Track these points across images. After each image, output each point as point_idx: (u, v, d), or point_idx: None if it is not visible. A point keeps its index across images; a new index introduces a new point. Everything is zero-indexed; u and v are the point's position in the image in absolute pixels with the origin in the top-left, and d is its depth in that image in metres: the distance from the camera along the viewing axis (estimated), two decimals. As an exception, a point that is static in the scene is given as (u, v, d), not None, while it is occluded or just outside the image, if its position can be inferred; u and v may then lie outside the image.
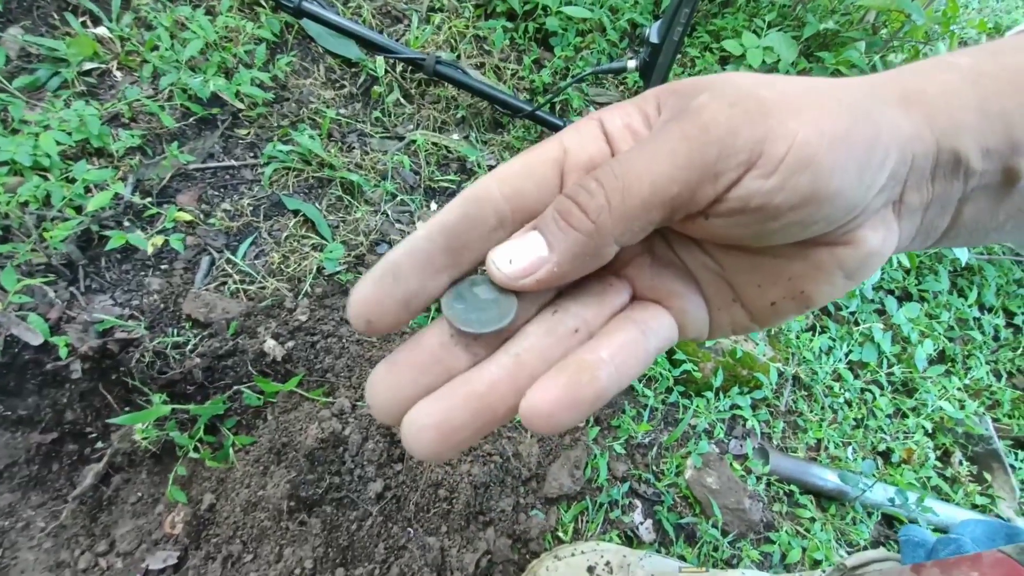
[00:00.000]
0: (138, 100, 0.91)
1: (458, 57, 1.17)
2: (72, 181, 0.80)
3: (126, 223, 0.83)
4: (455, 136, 1.12)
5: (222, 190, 0.93)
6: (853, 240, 0.22)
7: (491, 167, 1.07)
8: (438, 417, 0.21)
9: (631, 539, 0.85)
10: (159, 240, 0.82)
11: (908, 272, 1.25)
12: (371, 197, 1.00)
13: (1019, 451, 1.14)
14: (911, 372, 1.14)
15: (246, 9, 1.07)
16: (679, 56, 1.18)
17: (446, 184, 1.07)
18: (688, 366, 0.97)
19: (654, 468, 0.91)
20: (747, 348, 1.03)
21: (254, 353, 0.77)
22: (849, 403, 1.08)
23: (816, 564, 0.89)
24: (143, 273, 0.82)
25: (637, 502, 0.88)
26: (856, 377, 1.11)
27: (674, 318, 0.26)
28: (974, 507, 1.04)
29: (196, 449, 0.73)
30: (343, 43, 1.10)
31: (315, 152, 0.96)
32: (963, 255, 1.16)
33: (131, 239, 0.78)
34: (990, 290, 1.28)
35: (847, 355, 1.12)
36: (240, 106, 0.98)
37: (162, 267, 0.83)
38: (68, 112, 0.83)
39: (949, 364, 1.19)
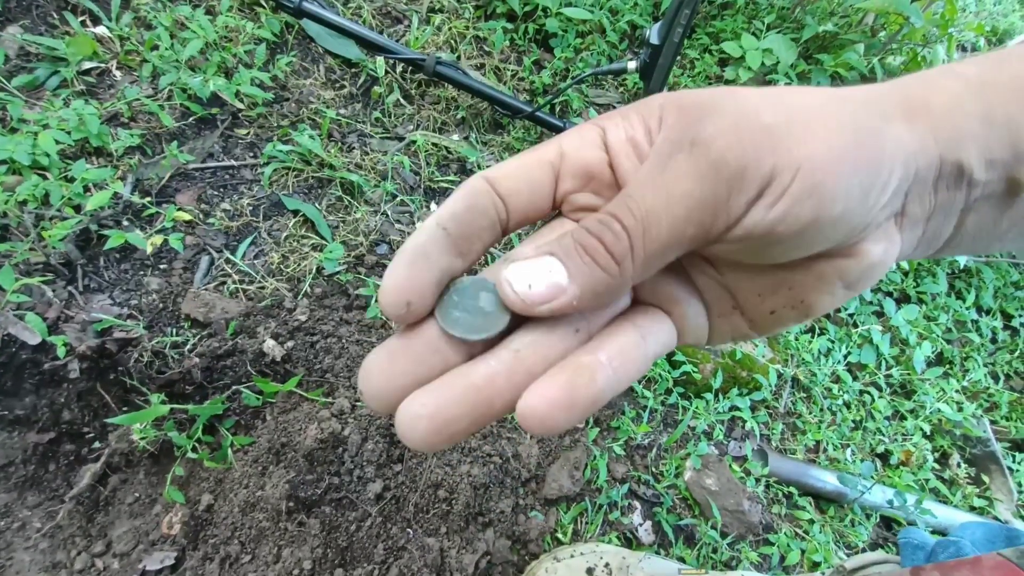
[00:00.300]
0: (137, 99, 0.91)
1: (458, 58, 1.17)
2: (71, 180, 0.79)
3: (125, 222, 0.83)
4: (455, 137, 1.12)
5: (221, 190, 0.92)
6: (855, 252, 0.22)
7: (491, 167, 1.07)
8: (433, 408, 0.21)
9: (630, 541, 0.85)
10: (158, 240, 0.81)
11: (906, 274, 1.26)
12: (371, 197, 1.00)
13: (1017, 453, 1.14)
14: (909, 374, 1.14)
15: (246, 9, 1.07)
16: (678, 58, 1.18)
17: (446, 185, 1.07)
18: (688, 367, 0.97)
19: (653, 469, 0.91)
20: (746, 350, 1.03)
21: (253, 353, 0.77)
22: (848, 405, 1.08)
23: (815, 566, 0.89)
24: (142, 273, 0.82)
25: (636, 503, 0.88)
26: (855, 379, 1.11)
27: (674, 323, 0.26)
28: (972, 509, 1.05)
29: (194, 449, 0.72)
30: (343, 43, 1.10)
31: (315, 152, 0.96)
32: (961, 258, 1.17)
33: (130, 238, 0.77)
34: (988, 292, 1.29)
35: (846, 357, 1.12)
36: (240, 106, 0.98)
37: (161, 267, 0.83)
38: (67, 111, 0.82)
39: (947, 366, 1.20)
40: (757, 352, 1.04)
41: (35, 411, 0.72)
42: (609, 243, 0.21)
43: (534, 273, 0.22)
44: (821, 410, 1.06)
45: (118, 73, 0.95)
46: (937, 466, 1.07)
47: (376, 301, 0.88)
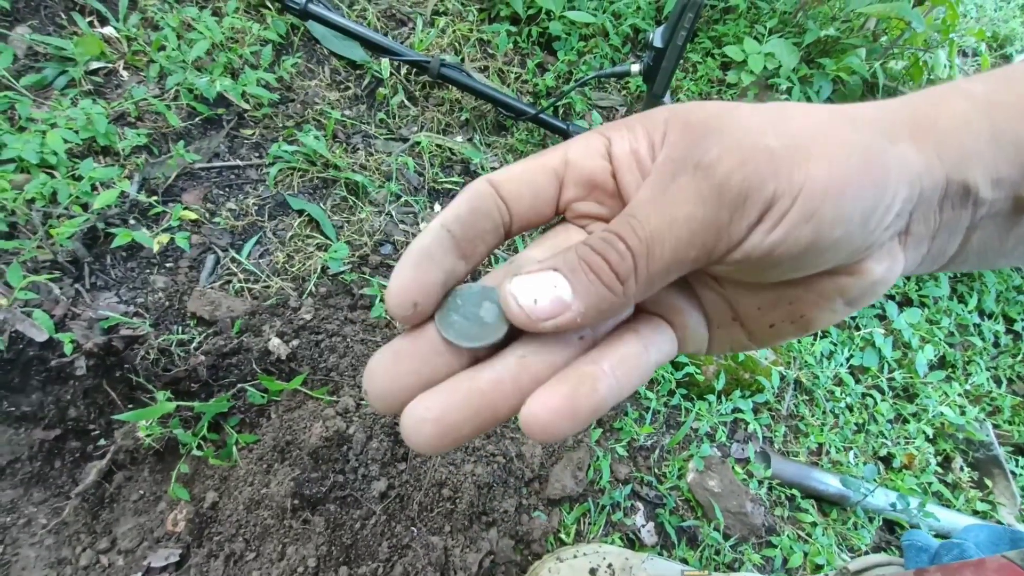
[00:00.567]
0: (144, 99, 0.91)
1: (462, 60, 1.18)
2: (78, 179, 0.80)
3: (132, 221, 0.84)
4: (459, 138, 1.13)
5: (227, 189, 0.93)
6: (857, 270, 0.22)
7: (494, 169, 1.08)
8: (439, 411, 0.21)
9: (633, 542, 0.85)
10: (164, 238, 0.82)
11: (909, 278, 1.26)
12: (375, 198, 1.00)
13: (1020, 457, 1.14)
14: (912, 377, 1.14)
15: (252, 11, 1.08)
16: (680, 61, 1.18)
17: (450, 186, 1.07)
18: (690, 369, 0.97)
19: (656, 471, 0.91)
20: (749, 352, 1.03)
21: (258, 351, 0.77)
22: (850, 408, 1.09)
23: (818, 569, 0.89)
24: (148, 271, 0.82)
25: (639, 504, 0.88)
26: (857, 382, 1.12)
27: (675, 333, 0.26)
28: (975, 513, 1.05)
29: (199, 447, 0.73)
30: (348, 45, 1.10)
31: (320, 153, 0.96)
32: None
33: (137, 237, 0.78)
34: (990, 296, 1.29)
35: (848, 360, 1.12)
36: (246, 106, 0.99)
37: (167, 265, 0.84)
38: (75, 110, 0.83)
39: (949, 370, 1.20)
40: (760, 354, 1.04)
41: (41, 408, 0.72)
42: (614, 262, 0.21)
43: (539, 288, 0.22)
44: (823, 413, 1.07)
45: (125, 73, 0.95)
46: (940, 470, 1.07)
47: (380, 301, 0.88)
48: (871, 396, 1.11)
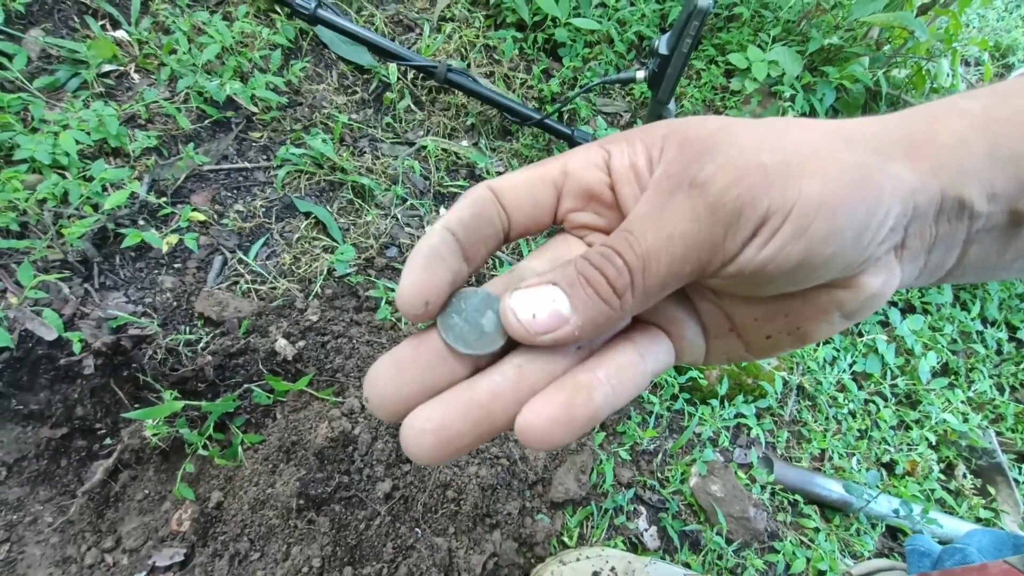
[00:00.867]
0: (155, 102, 0.92)
1: (468, 66, 1.19)
2: (89, 180, 0.81)
3: (141, 222, 0.84)
4: (465, 143, 1.14)
5: (235, 191, 0.94)
6: (853, 284, 0.23)
7: (499, 174, 1.09)
8: (438, 422, 0.22)
9: (635, 546, 0.85)
10: (173, 239, 0.83)
11: (911, 285, 1.26)
12: (381, 201, 1.01)
13: (1022, 465, 1.14)
14: (915, 384, 1.14)
15: (262, 15, 1.09)
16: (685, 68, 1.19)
17: (455, 189, 1.08)
18: (693, 373, 0.97)
19: (659, 475, 0.91)
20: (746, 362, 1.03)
21: (265, 352, 0.77)
22: (853, 414, 1.09)
23: (820, 575, 0.89)
24: (157, 271, 0.83)
25: (642, 508, 0.88)
26: (860, 388, 1.12)
27: (672, 343, 0.26)
28: (978, 520, 1.04)
29: (205, 447, 0.73)
30: (356, 50, 1.11)
31: (327, 156, 0.97)
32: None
33: (146, 237, 0.79)
34: (993, 304, 1.29)
35: (851, 366, 1.12)
36: (254, 110, 1.00)
37: (175, 266, 0.84)
38: (87, 112, 0.84)
39: (952, 377, 1.20)
40: (763, 360, 1.04)
41: (49, 406, 0.73)
42: (611, 277, 0.22)
43: (537, 302, 0.22)
44: (826, 418, 1.07)
45: (136, 76, 0.96)
46: (943, 477, 1.07)
47: (386, 303, 0.89)
48: (874, 402, 1.11)
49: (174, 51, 0.97)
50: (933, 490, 1.04)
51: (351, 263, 0.92)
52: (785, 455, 1.01)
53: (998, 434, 1.15)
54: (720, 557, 0.86)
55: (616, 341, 0.25)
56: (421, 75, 1.13)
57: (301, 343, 0.81)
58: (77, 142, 0.81)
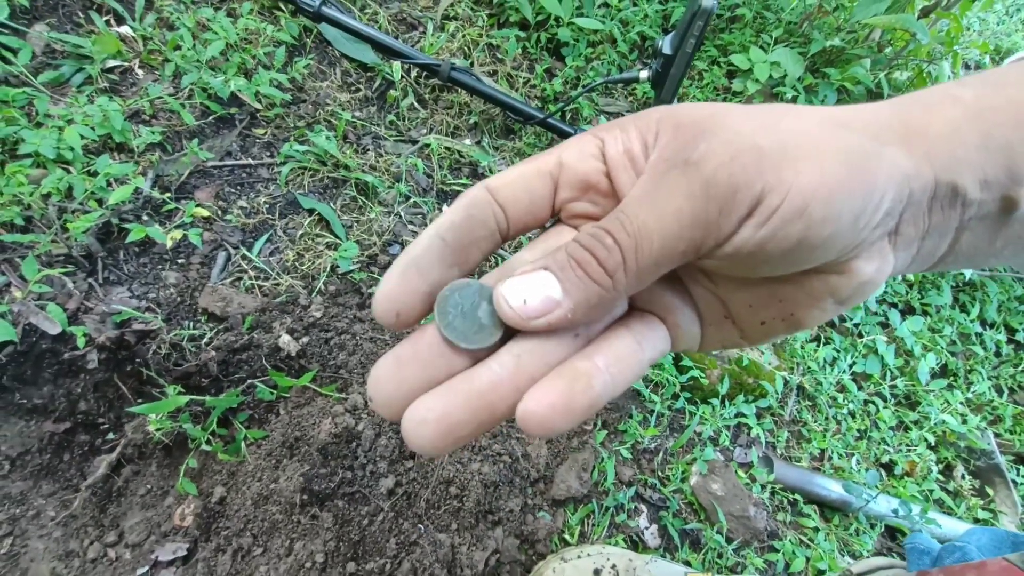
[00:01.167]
0: (160, 98, 0.92)
1: (472, 64, 1.19)
2: (94, 174, 0.81)
3: (145, 217, 0.84)
4: (467, 141, 1.14)
5: (239, 188, 0.94)
6: (847, 270, 0.23)
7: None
8: (439, 412, 0.22)
9: (636, 544, 0.85)
10: (177, 234, 0.83)
11: (911, 286, 1.27)
12: (385, 198, 1.01)
13: (1021, 466, 1.14)
14: (914, 385, 1.15)
15: (266, 12, 1.09)
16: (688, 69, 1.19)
17: (458, 188, 1.08)
18: (695, 372, 0.98)
19: (660, 473, 0.92)
20: (753, 356, 1.04)
21: (269, 348, 0.78)
22: (853, 414, 1.09)
23: (820, 574, 0.90)
24: (160, 267, 0.83)
25: (642, 507, 0.88)
26: (860, 388, 1.12)
27: (668, 330, 0.26)
28: (976, 521, 1.05)
29: (208, 442, 0.73)
30: (360, 48, 1.12)
31: (331, 153, 0.97)
32: (966, 271, 1.18)
33: (150, 233, 0.79)
34: (992, 306, 1.30)
35: (851, 366, 1.13)
36: (258, 106, 1.00)
37: (179, 261, 0.84)
38: (92, 107, 0.84)
39: (951, 378, 1.20)
40: (763, 359, 1.05)
41: (52, 400, 0.73)
42: (602, 257, 0.22)
43: (529, 288, 0.22)
44: (826, 419, 1.07)
45: (140, 72, 0.97)
46: (941, 477, 1.08)
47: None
48: (873, 403, 1.11)
49: (178, 47, 0.97)
50: (932, 490, 1.04)
51: (354, 260, 0.92)
52: (785, 455, 1.01)
53: (996, 435, 1.15)
54: (720, 556, 0.86)
55: (613, 329, 0.25)
56: (424, 73, 1.14)
57: (304, 339, 0.81)
58: (81, 137, 0.81)
